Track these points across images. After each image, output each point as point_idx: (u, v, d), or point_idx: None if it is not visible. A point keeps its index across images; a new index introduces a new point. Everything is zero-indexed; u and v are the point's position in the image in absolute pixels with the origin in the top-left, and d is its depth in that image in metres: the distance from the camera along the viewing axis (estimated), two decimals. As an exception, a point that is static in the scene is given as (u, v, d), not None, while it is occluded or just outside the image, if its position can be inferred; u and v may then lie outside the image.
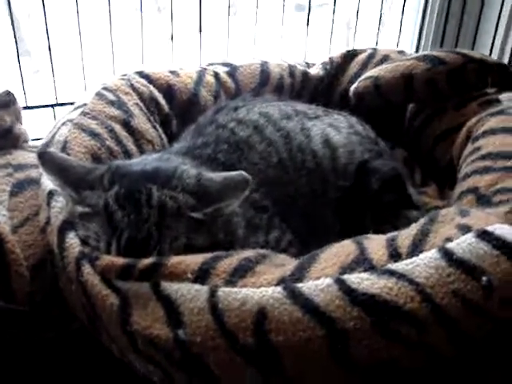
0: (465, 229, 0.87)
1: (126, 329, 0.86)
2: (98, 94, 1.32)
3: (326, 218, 1.24)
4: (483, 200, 1.09)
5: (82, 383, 1.13)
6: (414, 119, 1.61)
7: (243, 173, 0.94)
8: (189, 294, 0.84)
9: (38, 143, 1.26)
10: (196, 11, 1.69)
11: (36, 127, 1.57)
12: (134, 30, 1.66)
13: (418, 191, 1.41)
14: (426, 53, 1.54)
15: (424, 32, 2.13)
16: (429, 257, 0.82)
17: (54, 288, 1.03)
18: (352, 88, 1.60)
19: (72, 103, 1.36)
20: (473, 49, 2.02)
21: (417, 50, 2.14)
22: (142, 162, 1.06)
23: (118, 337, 0.89)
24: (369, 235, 0.96)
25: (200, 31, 1.72)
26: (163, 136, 1.40)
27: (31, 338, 1.08)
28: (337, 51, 1.76)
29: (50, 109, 1.69)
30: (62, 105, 1.67)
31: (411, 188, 1.36)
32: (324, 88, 1.70)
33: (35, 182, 1.15)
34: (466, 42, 2.09)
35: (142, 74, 1.45)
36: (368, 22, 2.05)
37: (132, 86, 1.39)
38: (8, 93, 1.29)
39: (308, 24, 1.84)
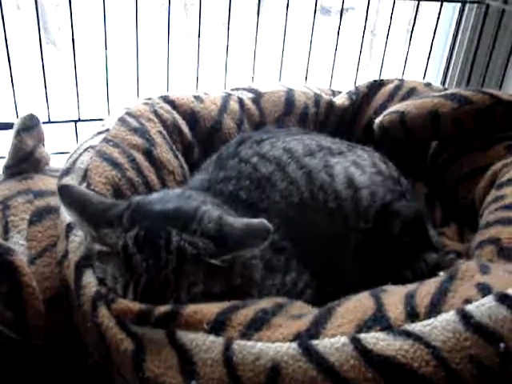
0: (485, 290, 0.85)
1: (139, 374, 0.85)
2: (121, 120, 1.31)
3: (344, 259, 1.22)
4: (504, 253, 1.08)
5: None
6: (438, 156, 1.59)
7: (264, 221, 0.92)
8: (204, 344, 0.83)
9: (60, 158, 1.26)
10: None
11: (58, 140, 1.57)
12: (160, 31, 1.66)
13: (437, 232, 1.40)
14: (453, 91, 1.53)
15: (451, 66, 2.11)
16: (446, 319, 0.81)
17: (69, 322, 1.03)
18: (377, 120, 1.59)
19: (94, 120, 1.35)
20: (500, 88, 2.01)
21: (443, 82, 2.13)
22: (162, 198, 1.04)
23: (131, 380, 0.89)
24: (386, 287, 0.95)
25: (227, 53, 1.72)
26: (185, 165, 1.38)
27: (42, 369, 1.08)
28: (363, 80, 1.75)
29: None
30: (84, 121, 1.67)
31: (432, 229, 1.34)
32: (349, 118, 1.70)
33: (55, 211, 1.15)
34: (494, 80, 2.08)
35: (166, 99, 1.44)
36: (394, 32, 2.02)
37: (156, 113, 1.37)
38: (31, 116, 1.29)
39: (336, 50, 1.84)
